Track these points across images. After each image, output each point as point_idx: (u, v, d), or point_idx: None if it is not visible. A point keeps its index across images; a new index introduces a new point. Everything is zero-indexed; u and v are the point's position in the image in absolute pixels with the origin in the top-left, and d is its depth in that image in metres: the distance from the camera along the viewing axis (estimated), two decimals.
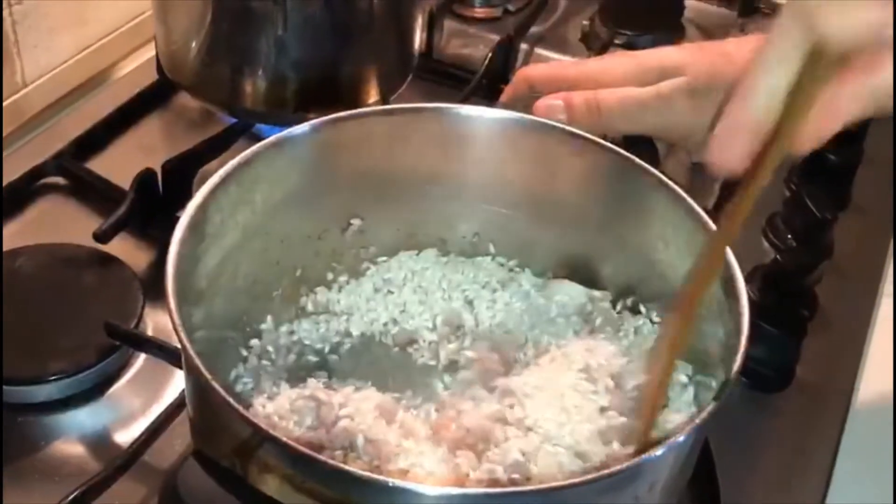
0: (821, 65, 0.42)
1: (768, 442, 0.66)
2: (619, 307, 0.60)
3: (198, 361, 0.45)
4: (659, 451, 0.43)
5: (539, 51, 0.94)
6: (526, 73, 0.67)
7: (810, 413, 0.68)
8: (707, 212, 0.56)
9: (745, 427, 0.65)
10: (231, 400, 0.43)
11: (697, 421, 0.44)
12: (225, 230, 0.55)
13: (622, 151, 0.58)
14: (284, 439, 0.43)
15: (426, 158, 0.60)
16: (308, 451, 0.42)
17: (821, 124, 0.44)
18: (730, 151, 0.45)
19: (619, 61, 0.66)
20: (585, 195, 0.60)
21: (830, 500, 0.63)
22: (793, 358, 0.69)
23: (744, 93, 0.45)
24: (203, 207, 0.52)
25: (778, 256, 0.73)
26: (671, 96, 0.63)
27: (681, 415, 0.51)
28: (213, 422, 0.47)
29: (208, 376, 0.44)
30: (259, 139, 0.79)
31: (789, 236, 0.76)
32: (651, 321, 0.58)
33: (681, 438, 0.43)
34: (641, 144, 0.65)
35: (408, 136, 0.60)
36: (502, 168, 0.61)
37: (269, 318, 0.58)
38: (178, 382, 0.65)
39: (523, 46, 0.93)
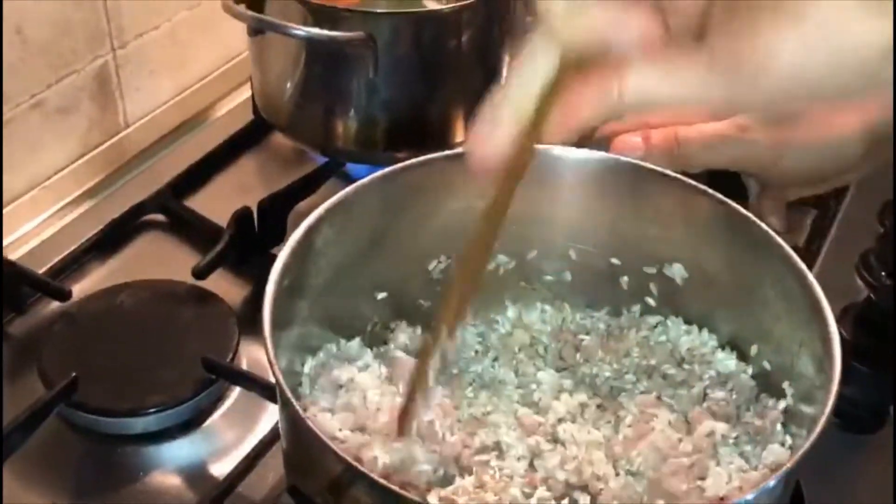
0: (560, 68, 0.44)
1: (861, 484, 0.64)
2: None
3: (293, 399, 0.46)
4: (751, 496, 0.43)
5: None
6: (609, 126, 0.67)
7: None
8: (797, 248, 0.56)
9: (837, 468, 0.64)
10: (324, 437, 0.44)
11: (789, 465, 0.44)
12: (318, 269, 0.56)
13: (714, 193, 0.58)
14: (375, 477, 0.44)
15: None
16: (398, 489, 0.43)
17: (564, 122, 0.45)
18: (489, 144, 0.46)
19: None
20: (673, 235, 0.60)
21: None
22: (887, 398, 0.67)
23: (503, 91, 0.46)
24: (298, 247, 0.54)
25: (871, 294, 0.72)
26: (750, 127, 0.63)
27: (774, 451, 0.50)
28: (307, 457, 0.48)
29: (302, 413, 0.45)
30: (350, 178, 0.84)
31: (883, 273, 0.74)
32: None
33: (772, 483, 0.43)
34: (727, 181, 0.64)
35: None
36: (589, 208, 0.61)
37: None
38: (271, 415, 0.66)
39: None
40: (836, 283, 0.60)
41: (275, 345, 0.47)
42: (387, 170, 0.58)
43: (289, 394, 0.46)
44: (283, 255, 0.53)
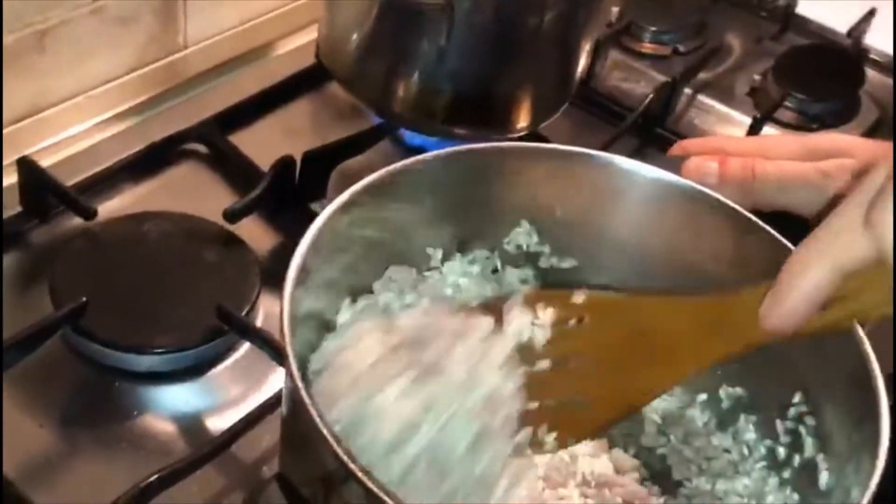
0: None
1: None
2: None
3: (299, 381, 0.43)
4: None
5: (703, 98, 0.90)
6: (684, 145, 0.63)
7: None
8: None
9: None
10: (326, 432, 0.42)
11: None
12: (351, 243, 0.53)
13: (776, 234, 0.54)
14: (368, 482, 0.41)
15: (568, 202, 0.58)
16: (390, 497, 0.40)
17: None
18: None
19: (783, 140, 0.62)
20: (729, 274, 0.56)
21: None
22: None
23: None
24: (334, 218, 0.51)
25: None
26: (833, 174, 0.59)
27: None
28: (303, 442, 0.45)
29: (308, 402, 0.43)
30: (402, 144, 0.80)
31: None
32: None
33: None
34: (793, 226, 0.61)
35: (552, 176, 0.57)
36: (644, 227, 0.58)
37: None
38: (279, 377, 0.64)
39: (687, 90, 0.90)
40: (884, 344, 0.56)
41: (293, 328, 0.44)
42: (442, 151, 0.55)
43: (296, 374, 0.43)
44: (315, 224, 0.50)
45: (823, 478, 0.51)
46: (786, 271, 0.43)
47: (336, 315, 0.53)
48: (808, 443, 0.53)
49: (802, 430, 0.54)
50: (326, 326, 0.53)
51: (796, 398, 0.54)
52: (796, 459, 0.54)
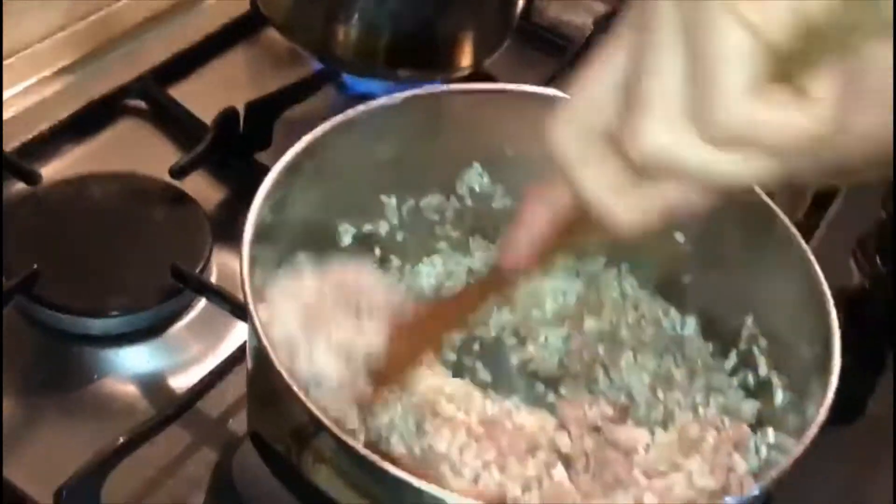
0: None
1: (831, 476, 0.63)
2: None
3: (263, 336, 0.43)
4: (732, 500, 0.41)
5: None
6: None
7: (878, 447, 0.65)
8: (798, 223, 0.54)
9: (805, 459, 0.63)
10: (294, 385, 0.42)
11: (774, 475, 0.42)
12: (304, 196, 0.53)
13: None
14: (339, 433, 0.41)
15: (518, 141, 0.58)
16: (362, 449, 0.41)
17: None
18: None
19: None
20: None
21: None
22: (866, 391, 0.66)
23: None
24: (287, 170, 0.51)
25: (865, 282, 0.70)
26: None
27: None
28: (272, 398, 0.45)
29: (273, 356, 0.43)
30: (345, 89, 0.80)
31: (879, 261, 0.72)
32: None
33: (756, 492, 0.41)
34: None
35: (500, 116, 0.57)
36: None
37: None
38: (240, 331, 0.64)
39: None
40: (830, 261, 0.58)
41: (253, 284, 0.44)
42: (394, 97, 0.55)
43: (261, 333, 0.44)
44: (269, 177, 0.50)
45: (779, 396, 0.53)
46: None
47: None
48: (762, 362, 0.55)
49: (756, 350, 0.55)
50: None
51: (748, 321, 0.56)
52: (751, 379, 0.55)
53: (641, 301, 0.60)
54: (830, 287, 0.51)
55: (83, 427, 0.59)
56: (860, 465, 0.64)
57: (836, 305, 0.66)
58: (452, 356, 0.56)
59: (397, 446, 0.48)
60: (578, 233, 0.43)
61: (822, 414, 0.44)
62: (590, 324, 0.58)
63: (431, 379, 0.52)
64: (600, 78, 0.38)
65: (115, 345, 0.63)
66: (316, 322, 0.49)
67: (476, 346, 0.57)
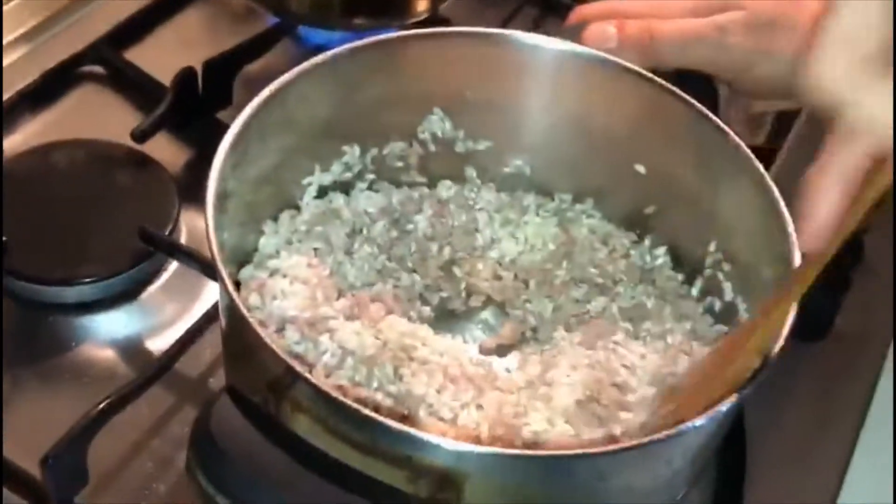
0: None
1: (799, 391, 0.65)
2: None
3: (236, 298, 0.44)
4: (700, 422, 0.42)
5: None
6: (581, 13, 0.64)
7: (845, 364, 0.67)
8: (758, 149, 0.55)
9: (775, 375, 0.64)
10: (266, 338, 0.43)
11: (744, 392, 0.43)
12: (266, 152, 0.53)
13: (679, 91, 0.56)
14: (314, 381, 0.42)
15: (477, 84, 0.58)
16: (337, 395, 0.42)
17: None
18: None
19: None
20: (638, 134, 0.58)
21: (859, 454, 0.62)
22: (832, 308, 0.67)
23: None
24: (247, 126, 0.51)
25: None
26: (728, 28, 0.60)
27: None
28: (245, 352, 0.46)
29: (245, 312, 0.43)
30: (302, 42, 0.79)
31: None
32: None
33: (724, 408, 0.43)
34: (695, 82, 0.62)
35: (459, 59, 0.58)
36: (554, 100, 0.59)
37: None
38: (211, 291, 0.64)
39: None
40: (792, 185, 0.59)
41: (220, 243, 0.44)
42: (343, 48, 0.55)
43: (232, 291, 0.44)
44: (228, 136, 0.50)
45: (745, 319, 0.54)
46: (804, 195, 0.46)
47: (262, 225, 0.53)
48: (727, 287, 0.56)
49: (720, 275, 0.56)
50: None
51: (712, 247, 0.57)
52: (718, 305, 0.56)
53: (611, 236, 0.60)
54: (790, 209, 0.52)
55: (65, 395, 0.60)
56: (829, 379, 0.66)
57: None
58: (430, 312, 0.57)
59: (376, 392, 0.48)
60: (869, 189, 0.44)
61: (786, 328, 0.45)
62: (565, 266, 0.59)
63: (407, 325, 0.53)
64: (853, 6, 0.38)
65: (91, 312, 0.63)
66: None
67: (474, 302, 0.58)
